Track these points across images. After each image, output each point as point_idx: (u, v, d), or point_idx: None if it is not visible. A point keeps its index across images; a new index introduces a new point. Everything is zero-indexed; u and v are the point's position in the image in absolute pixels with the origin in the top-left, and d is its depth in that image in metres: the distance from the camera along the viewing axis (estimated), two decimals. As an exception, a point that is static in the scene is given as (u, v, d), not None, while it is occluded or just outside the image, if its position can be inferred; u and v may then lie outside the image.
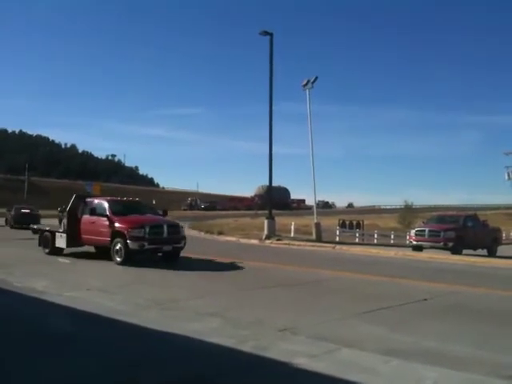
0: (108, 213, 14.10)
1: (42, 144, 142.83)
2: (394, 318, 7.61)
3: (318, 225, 26.36)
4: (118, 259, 13.33)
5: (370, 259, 17.78)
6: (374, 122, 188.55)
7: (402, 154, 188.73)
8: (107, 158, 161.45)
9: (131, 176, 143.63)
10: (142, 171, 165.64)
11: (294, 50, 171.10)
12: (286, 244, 23.76)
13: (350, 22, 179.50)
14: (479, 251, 21.85)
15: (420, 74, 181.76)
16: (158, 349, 5.69)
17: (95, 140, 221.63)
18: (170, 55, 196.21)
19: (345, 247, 22.30)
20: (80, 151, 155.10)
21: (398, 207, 66.46)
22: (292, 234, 28.75)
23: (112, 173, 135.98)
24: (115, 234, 13.57)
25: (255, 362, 5.28)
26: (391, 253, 19.93)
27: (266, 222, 26.62)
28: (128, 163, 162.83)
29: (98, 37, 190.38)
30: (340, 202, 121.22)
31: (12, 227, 31.96)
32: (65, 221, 15.26)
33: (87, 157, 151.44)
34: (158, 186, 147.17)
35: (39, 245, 16.25)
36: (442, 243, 20.71)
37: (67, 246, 15.25)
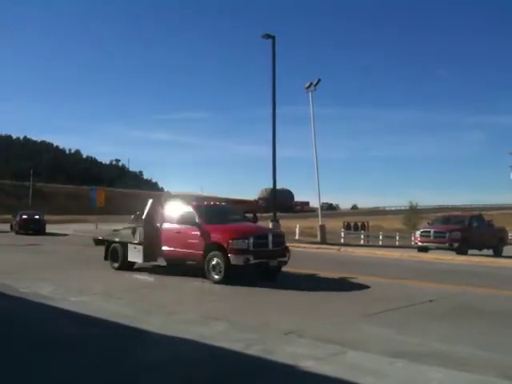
0: (199, 221, 11.86)
1: (46, 150, 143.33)
2: (400, 320, 7.59)
3: (322, 227, 26.38)
4: (216, 277, 11.06)
5: (375, 261, 17.74)
6: (376, 123, 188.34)
7: (406, 155, 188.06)
8: (111, 162, 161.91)
9: (135, 180, 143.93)
10: (146, 175, 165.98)
11: (295, 52, 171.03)
12: (290, 246, 23.68)
13: (350, 23, 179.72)
14: (485, 251, 21.77)
15: (422, 75, 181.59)
16: (164, 353, 5.69)
17: (99, 145, 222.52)
18: (174, 59, 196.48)
19: (350, 249, 22.28)
20: (84, 156, 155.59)
21: (402, 208, 66.41)
22: (297, 237, 28.77)
23: (116, 178, 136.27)
24: (211, 246, 11.35)
25: (262, 365, 5.28)
26: (396, 254, 19.90)
27: (270, 224, 26.61)
28: (132, 168, 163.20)
29: (102, 41, 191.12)
30: (344, 203, 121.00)
31: (17, 233, 32.08)
32: (140, 230, 12.82)
33: (91, 162, 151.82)
34: (162, 190, 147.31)
35: (105, 258, 13.94)
36: (447, 244, 20.64)
37: (144, 261, 12.96)
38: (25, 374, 5.02)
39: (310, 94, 27.50)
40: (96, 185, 69.41)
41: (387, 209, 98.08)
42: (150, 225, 12.84)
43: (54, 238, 29.09)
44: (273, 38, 26.82)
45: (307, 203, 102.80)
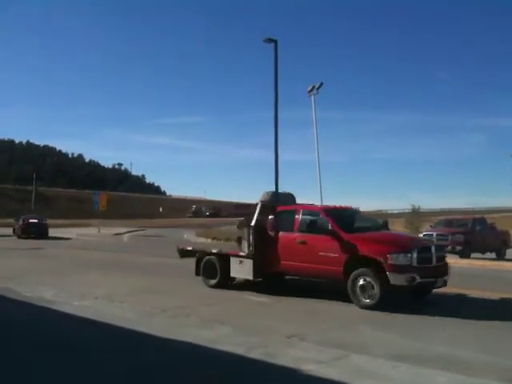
0: (334, 228, 9.61)
1: (49, 154, 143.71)
2: (403, 324, 7.58)
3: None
4: (366, 300, 8.82)
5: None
6: (377, 126, 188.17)
7: (406, 157, 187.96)
8: (114, 166, 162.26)
9: (138, 184, 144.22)
10: (148, 179, 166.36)
11: (296, 56, 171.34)
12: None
13: (351, 25, 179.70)
14: (488, 254, 21.71)
15: (423, 77, 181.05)
16: (168, 356, 5.69)
17: (101, 149, 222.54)
18: (175, 64, 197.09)
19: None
20: (87, 160, 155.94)
21: (404, 211, 66.32)
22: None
23: (119, 181, 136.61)
24: (356, 261, 9.14)
25: (264, 369, 5.27)
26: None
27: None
28: (135, 172, 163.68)
29: (104, 46, 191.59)
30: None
31: (20, 237, 32.09)
32: (249, 240, 10.58)
33: (94, 166, 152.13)
34: (164, 193, 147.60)
35: (197, 274, 11.67)
36: (450, 247, 20.58)
37: (255, 277, 10.62)
38: (26, 376, 5.03)
39: (312, 97, 27.54)
40: (99, 189, 69.64)
41: (389, 212, 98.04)
42: (260, 233, 10.61)
43: (56, 242, 29.10)
44: (275, 41, 26.83)
45: None
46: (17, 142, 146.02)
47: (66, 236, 33.51)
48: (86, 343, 6.30)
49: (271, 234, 10.65)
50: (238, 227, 12.18)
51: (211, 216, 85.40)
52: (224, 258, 11.13)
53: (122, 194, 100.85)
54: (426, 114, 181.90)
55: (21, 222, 33.14)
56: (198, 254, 11.85)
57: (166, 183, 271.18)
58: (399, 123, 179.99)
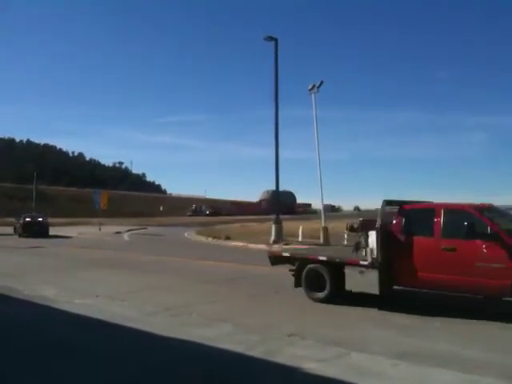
0: (498, 232, 7.85)
1: (49, 153, 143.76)
2: (404, 322, 7.59)
3: (325, 229, 26.33)
4: None
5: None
6: (378, 125, 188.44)
7: (407, 156, 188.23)
8: (114, 165, 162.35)
9: (138, 183, 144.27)
10: (149, 178, 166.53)
11: (297, 54, 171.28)
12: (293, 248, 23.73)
13: (350, 25, 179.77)
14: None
15: (424, 76, 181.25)
16: (168, 355, 5.70)
17: (102, 148, 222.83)
18: (175, 62, 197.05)
19: (353, 251, 22.22)
20: (87, 159, 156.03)
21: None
22: (300, 238, 28.70)
23: (119, 180, 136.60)
24: None
25: (265, 367, 5.28)
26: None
27: (273, 226, 26.63)
28: (135, 170, 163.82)
29: (104, 45, 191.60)
30: (346, 205, 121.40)
31: (21, 236, 32.11)
32: (373, 245, 8.64)
33: (94, 165, 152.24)
34: (165, 192, 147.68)
35: (297, 285, 9.88)
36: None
37: (381, 291, 8.56)
38: (27, 376, 5.04)
39: (312, 96, 27.48)
40: (99, 187, 69.60)
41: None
42: (387, 238, 8.75)
43: (57, 240, 29.12)
44: (275, 40, 26.87)
45: (309, 205, 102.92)
46: (17, 140, 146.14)
47: (66, 235, 33.54)
48: (87, 342, 6.32)
49: (401, 238, 8.75)
50: (350, 230, 10.81)
51: (211, 215, 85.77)
52: (336, 268, 9.33)
53: (122, 193, 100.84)
54: (427, 112, 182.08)
55: (22, 221, 33.17)
56: (299, 262, 10.00)
57: (166, 182, 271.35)
58: (400, 122, 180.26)
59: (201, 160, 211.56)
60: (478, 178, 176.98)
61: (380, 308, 8.49)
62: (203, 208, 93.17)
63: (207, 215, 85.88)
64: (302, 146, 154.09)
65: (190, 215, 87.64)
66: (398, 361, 5.40)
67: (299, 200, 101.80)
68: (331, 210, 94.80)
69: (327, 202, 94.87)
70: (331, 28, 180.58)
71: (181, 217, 79.74)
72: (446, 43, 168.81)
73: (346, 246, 10.37)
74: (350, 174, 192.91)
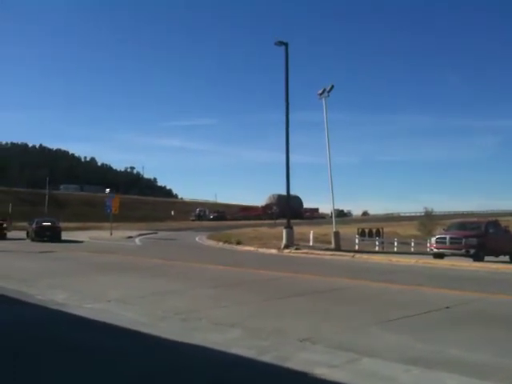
0: None
1: (62, 157, 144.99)
2: (416, 327, 7.50)
3: (336, 233, 26.25)
4: None
5: (391, 267, 17.59)
6: (388, 128, 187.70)
7: (418, 159, 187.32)
8: (126, 170, 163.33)
9: (150, 187, 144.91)
10: (160, 182, 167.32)
11: (307, 58, 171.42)
12: (304, 253, 23.70)
13: (360, 29, 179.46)
14: (501, 258, 21.50)
15: (434, 80, 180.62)
16: (177, 360, 5.69)
17: (113, 153, 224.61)
18: (186, 67, 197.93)
19: (365, 255, 22.14)
20: (99, 164, 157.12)
21: (417, 214, 65.94)
22: (311, 243, 28.66)
23: (131, 185, 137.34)
24: None
25: (276, 372, 5.25)
26: (412, 261, 19.72)
27: (284, 231, 26.61)
28: (146, 175, 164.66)
29: (115, 49, 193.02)
30: (354, 209, 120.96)
31: (33, 240, 32.34)
32: None
33: (106, 169, 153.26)
34: (176, 196, 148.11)
35: None
36: (463, 250, 20.46)
37: None
38: (36, 380, 5.06)
39: (323, 100, 27.44)
40: (111, 192, 70.00)
41: (401, 215, 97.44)
42: None
43: (69, 244, 29.31)
44: (286, 44, 26.90)
45: (316, 209, 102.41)
46: (30, 145, 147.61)
47: (78, 239, 33.74)
48: (98, 347, 6.32)
49: None
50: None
51: (215, 219, 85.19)
52: None
53: (134, 197, 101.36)
54: (438, 116, 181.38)
55: (34, 225, 33.41)
56: None
57: (177, 186, 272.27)
58: (411, 125, 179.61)
59: (212, 164, 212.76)
60: (488, 181, 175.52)
61: (390, 312, 8.41)
62: (207, 212, 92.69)
63: (211, 220, 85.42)
64: (309, 150, 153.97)
65: (193, 220, 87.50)
66: (410, 366, 5.33)
67: (306, 204, 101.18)
68: (339, 214, 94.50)
69: (336, 206, 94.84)
70: (340, 31, 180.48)
71: (184, 221, 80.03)
72: (457, 46, 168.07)
73: None
74: (358, 177, 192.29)
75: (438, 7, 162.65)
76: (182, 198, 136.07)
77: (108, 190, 49.61)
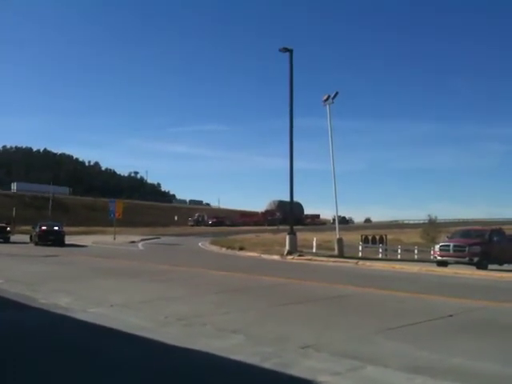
0: None
1: (66, 162, 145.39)
2: (420, 335, 7.48)
3: (340, 240, 26.22)
4: None
5: (394, 275, 17.55)
6: (394, 135, 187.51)
7: (424, 167, 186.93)
8: (130, 175, 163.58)
9: (153, 192, 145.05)
10: (164, 188, 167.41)
11: (313, 64, 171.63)
12: (308, 260, 23.67)
13: (366, 35, 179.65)
14: (505, 266, 21.41)
15: (441, 87, 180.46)
16: (179, 366, 5.68)
17: (118, 157, 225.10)
18: (191, 72, 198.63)
19: (368, 263, 22.09)
20: (103, 168, 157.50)
21: (421, 222, 65.75)
22: (314, 250, 28.62)
23: (135, 190, 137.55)
24: None
25: (278, 379, 5.23)
26: (415, 268, 19.67)
27: (287, 237, 26.59)
28: (150, 180, 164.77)
29: (120, 54, 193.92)
30: (357, 216, 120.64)
31: (37, 244, 32.39)
32: None
33: (110, 174, 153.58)
34: (180, 202, 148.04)
35: None
36: (467, 258, 20.38)
37: None
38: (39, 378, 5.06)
39: (327, 106, 27.48)
40: (115, 197, 70.14)
41: (405, 222, 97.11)
42: None
43: (72, 249, 29.34)
44: (290, 51, 26.98)
45: (318, 216, 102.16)
46: (34, 149, 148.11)
47: (81, 243, 33.79)
48: (100, 351, 6.32)
49: None
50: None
51: (214, 225, 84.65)
52: None
53: (137, 202, 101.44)
54: (444, 123, 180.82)
55: (38, 230, 33.46)
56: None
57: (181, 192, 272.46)
58: (417, 133, 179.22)
59: (215, 170, 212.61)
60: (494, 189, 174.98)
61: (394, 320, 8.38)
62: (206, 218, 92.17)
63: (210, 225, 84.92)
64: (311, 157, 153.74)
65: (191, 225, 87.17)
66: (413, 374, 5.31)
67: (307, 211, 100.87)
68: (342, 221, 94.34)
69: (341, 212, 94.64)
70: (346, 37, 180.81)
71: (182, 227, 79.91)
72: (464, 53, 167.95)
73: None
74: (361, 185, 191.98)
75: (444, 14, 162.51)
76: (185, 203, 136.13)
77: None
